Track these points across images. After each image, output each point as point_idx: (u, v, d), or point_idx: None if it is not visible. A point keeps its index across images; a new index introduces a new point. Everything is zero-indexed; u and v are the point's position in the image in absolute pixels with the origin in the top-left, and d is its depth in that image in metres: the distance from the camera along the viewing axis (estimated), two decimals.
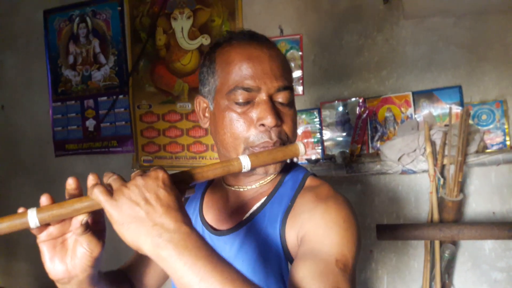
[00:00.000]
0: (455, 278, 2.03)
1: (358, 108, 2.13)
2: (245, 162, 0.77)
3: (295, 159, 0.92)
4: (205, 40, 2.43)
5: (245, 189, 0.93)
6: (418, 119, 2.03)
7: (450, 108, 1.93)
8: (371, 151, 2.12)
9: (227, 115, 0.86)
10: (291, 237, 0.82)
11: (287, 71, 0.90)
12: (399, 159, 1.93)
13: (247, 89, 0.83)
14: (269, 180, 0.92)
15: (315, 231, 0.78)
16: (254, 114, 0.84)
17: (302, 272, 0.71)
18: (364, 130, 2.11)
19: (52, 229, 0.70)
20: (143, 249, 0.62)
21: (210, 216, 0.99)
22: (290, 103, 0.89)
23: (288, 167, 0.94)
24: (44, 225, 0.69)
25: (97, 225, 0.71)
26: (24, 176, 2.98)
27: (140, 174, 0.67)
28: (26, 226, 0.65)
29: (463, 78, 1.99)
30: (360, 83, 2.16)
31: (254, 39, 0.89)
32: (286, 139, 0.87)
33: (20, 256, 3.03)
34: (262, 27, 2.32)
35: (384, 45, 2.11)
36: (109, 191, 0.65)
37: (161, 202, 0.64)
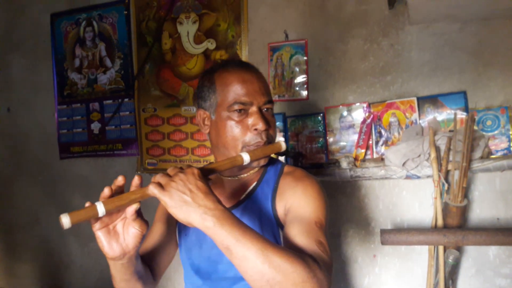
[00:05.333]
0: (459, 284, 2.02)
1: (362, 113, 2.13)
2: (246, 158, 1.07)
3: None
4: (210, 45, 2.44)
5: (238, 178, 1.22)
6: (422, 124, 2.03)
7: (455, 114, 1.93)
8: (375, 156, 2.12)
9: (228, 123, 1.14)
10: (280, 209, 1.13)
11: (269, 89, 1.21)
12: (403, 164, 1.93)
13: (243, 103, 1.13)
14: (254, 171, 1.21)
15: (298, 203, 1.08)
16: (249, 121, 1.14)
17: (294, 231, 1.00)
18: (368, 135, 2.11)
19: (104, 218, 0.93)
20: (193, 223, 0.87)
21: None
22: (272, 112, 1.20)
23: (268, 162, 1.22)
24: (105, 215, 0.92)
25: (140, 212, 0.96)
26: (29, 177, 2.99)
27: (179, 170, 0.92)
28: (96, 215, 0.87)
29: (468, 84, 1.99)
30: (365, 88, 2.16)
31: (244, 65, 1.20)
32: (271, 139, 1.18)
33: (23, 258, 3.04)
34: (267, 31, 2.33)
35: (389, 50, 2.11)
36: (161, 185, 0.90)
37: (200, 190, 0.89)
